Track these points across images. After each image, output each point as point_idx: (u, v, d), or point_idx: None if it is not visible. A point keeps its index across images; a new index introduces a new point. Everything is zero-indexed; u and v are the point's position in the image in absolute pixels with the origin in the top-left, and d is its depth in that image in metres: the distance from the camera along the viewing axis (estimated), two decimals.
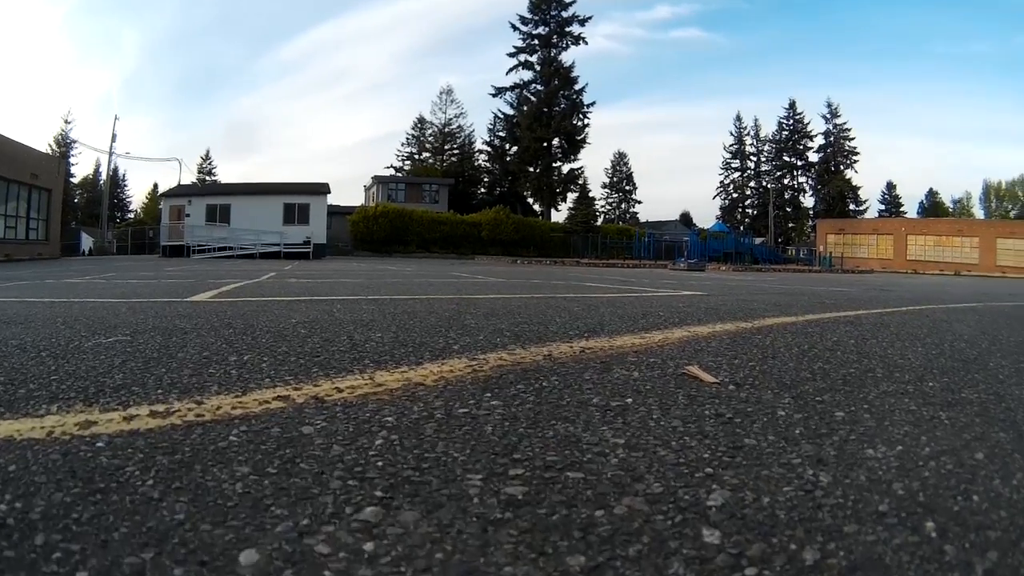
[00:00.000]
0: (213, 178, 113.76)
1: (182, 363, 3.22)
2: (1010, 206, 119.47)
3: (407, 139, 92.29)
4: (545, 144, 71.34)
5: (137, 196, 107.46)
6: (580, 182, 75.31)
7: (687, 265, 40.09)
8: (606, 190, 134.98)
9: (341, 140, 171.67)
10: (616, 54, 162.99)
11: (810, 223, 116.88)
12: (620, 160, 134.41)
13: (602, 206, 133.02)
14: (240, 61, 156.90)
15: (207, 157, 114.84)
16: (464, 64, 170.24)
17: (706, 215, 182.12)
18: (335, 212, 60.59)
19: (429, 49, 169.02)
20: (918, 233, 75.86)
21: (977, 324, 6.27)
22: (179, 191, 44.15)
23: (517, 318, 5.47)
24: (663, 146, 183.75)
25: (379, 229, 55.87)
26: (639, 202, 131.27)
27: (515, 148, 74.85)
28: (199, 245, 36.50)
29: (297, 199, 40.33)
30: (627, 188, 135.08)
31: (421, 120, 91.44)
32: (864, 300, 9.10)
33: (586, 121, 73.52)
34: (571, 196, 75.34)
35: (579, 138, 73.33)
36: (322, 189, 43.03)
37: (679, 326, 5.20)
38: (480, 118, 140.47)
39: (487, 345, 3.97)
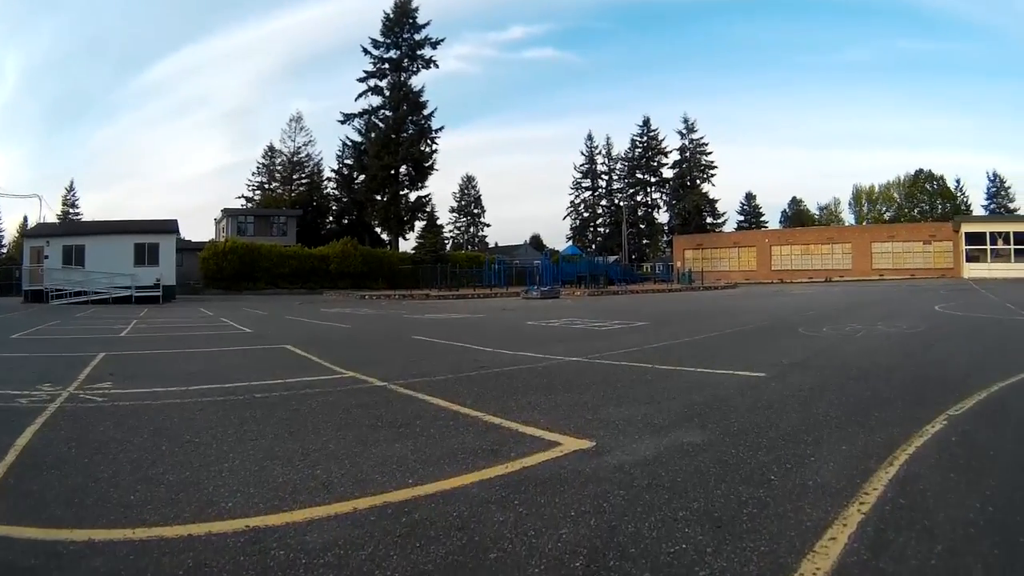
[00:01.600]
0: (76, 211, 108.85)
1: None
2: (884, 208, 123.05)
3: (258, 168, 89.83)
4: (393, 172, 70.82)
5: (10, 229, 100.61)
6: (428, 209, 75.07)
7: (540, 293, 39.13)
8: (455, 214, 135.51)
9: (198, 167, 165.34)
10: (468, 75, 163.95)
11: (665, 239, 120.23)
12: (468, 183, 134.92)
13: (451, 230, 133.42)
14: (102, 90, 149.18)
15: (71, 188, 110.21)
16: (318, 89, 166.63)
17: (557, 236, 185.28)
18: (186, 248, 58.57)
19: (284, 74, 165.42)
20: (783, 243, 76.60)
21: None
22: (39, 231, 42.03)
23: None
24: (514, 167, 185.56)
25: (229, 266, 54.28)
26: (488, 225, 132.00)
27: (363, 176, 74.21)
28: (57, 289, 35.29)
29: (147, 239, 38.94)
30: (475, 211, 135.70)
31: (271, 149, 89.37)
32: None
33: (434, 147, 73.41)
34: (420, 224, 74.70)
35: (427, 165, 73.16)
36: (170, 227, 41.69)
37: None
38: (331, 144, 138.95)
39: None
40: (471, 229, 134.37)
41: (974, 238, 53.85)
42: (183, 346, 11.19)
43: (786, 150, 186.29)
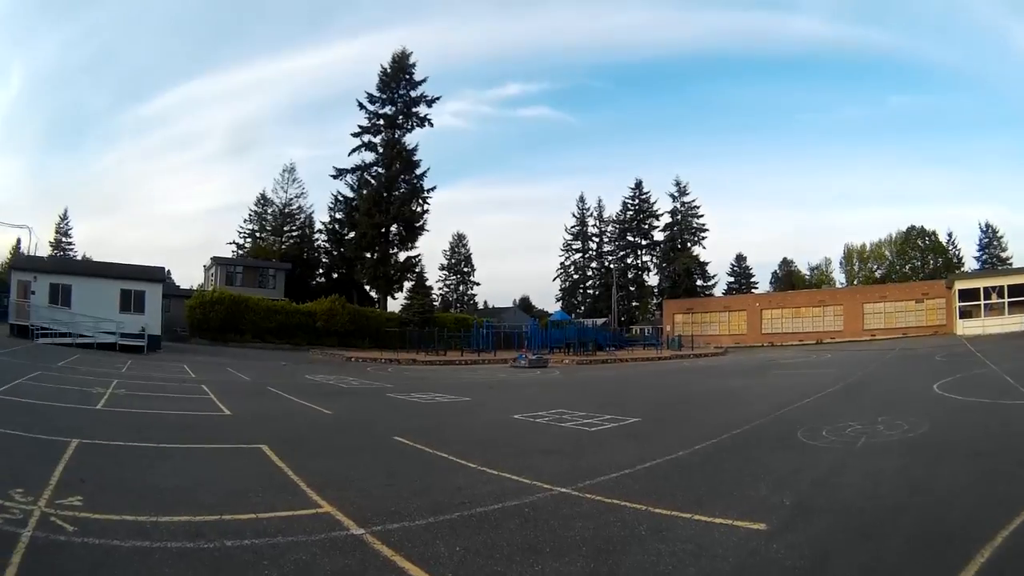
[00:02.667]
0: (69, 239, 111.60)
1: None
2: (875, 266, 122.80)
3: (250, 215, 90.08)
4: (383, 230, 70.99)
5: (3, 249, 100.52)
6: (417, 271, 74.94)
7: (528, 363, 39.23)
8: (444, 272, 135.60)
9: (190, 205, 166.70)
10: (462, 131, 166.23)
11: (655, 301, 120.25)
12: (459, 241, 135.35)
13: (440, 288, 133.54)
14: (100, 115, 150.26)
15: (64, 216, 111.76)
16: (314, 136, 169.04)
17: (546, 296, 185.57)
18: (174, 295, 60.36)
19: (283, 118, 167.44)
20: (774, 307, 76.61)
21: None
22: (27, 264, 41.64)
23: None
24: (504, 225, 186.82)
25: (215, 316, 55.08)
26: (477, 284, 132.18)
27: (353, 232, 74.10)
28: (43, 328, 34.93)
29: (133, 286, 38.89)
30: (466, 270, 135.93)
31: (263, 197, 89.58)
32: None
33: (426, 207, 73.99)
34: (409, 283, 74.53)
35: (418, 225, 73.49)
36: (157, 276, 41.60)
37: None
38: (324, 193, 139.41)
39: None
40: (460, 288, 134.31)
41: (967, 295, 54.15)
42: (158, 437, 10.69)
43: (776, 210, 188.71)
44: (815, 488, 7.60)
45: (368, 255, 71.20)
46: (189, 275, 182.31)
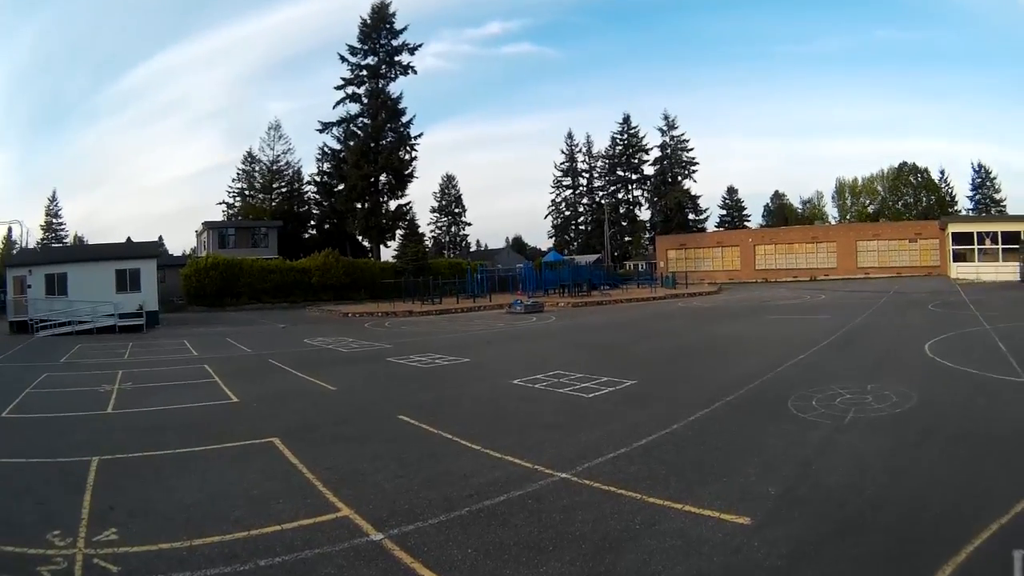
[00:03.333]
0: (60, 220, 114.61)
1: None
2: (868, 201, 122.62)
3: (238, 174, 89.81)
4: (372, 180, 70.89)
5: None
6: (409, 218, 74.99)
7: (523, 308, 39.83)
8: (435, 214, 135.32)
9: (179, 170, 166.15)
10: (446, 72, 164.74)
11: (647, 235, 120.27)
12: (449, 183, 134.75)
13: (432, 230, 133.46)
14: (80, 95, 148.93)
15: (53, 198, 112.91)
16: (298, 89, 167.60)
17: (539, 233, 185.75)
18: (168, 265, 60.89)
19: (263, 76, 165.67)
20: (767, 243, 76.56)
21: None
22: (20, 259, 41.86)
23: None
24: (494, 163, 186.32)
25: (211, 283, 55.85)
26: (469, 224, 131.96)
27: (343, 185, 74.01)
28: (42, 320, 35.24)
29: (128, 264, 38.99)
30: (457, 211, 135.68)
31: (251, 155, 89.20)
32: None
33: (414, 154, 73.70)
34: (401, 232, 74.64)
35: (407, 173, 73.30)
36: (151, 251, 41.77)
37: None
38: (311, 146, 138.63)
39: None
40: (452, 229, 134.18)
41: (961, 238, 54.46)
42: (172, 441, 10.89)
43: (767, 141, 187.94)
44: (800, 473, 8.04)
45: (359, 206, 71.10)
46: (183, 241, 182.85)
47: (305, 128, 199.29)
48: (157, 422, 12.65)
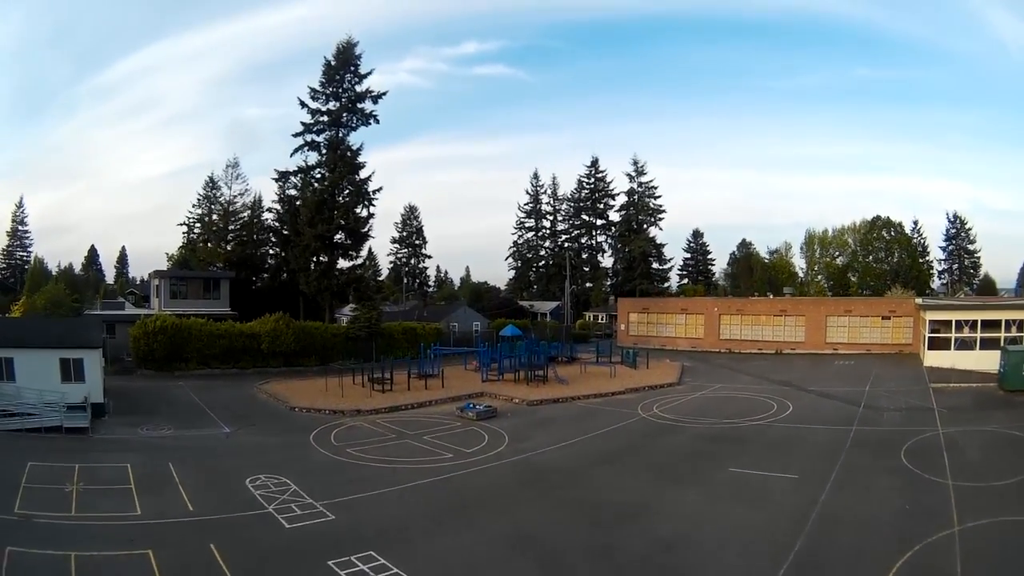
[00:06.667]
0: (25, 228, 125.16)
1: None
2: (837, 253, 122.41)
3: (198, 199, 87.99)
4: (327, 239, 68.77)
5: None
6: (363, 282, 72.86)
7: (476, 415, 38.99)
8: (396, 244, 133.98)
9: (150, 169, 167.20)
10: (418, 89, 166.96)
11: (608, 283, 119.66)
12: (411, 213, 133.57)
13: (391, 261, 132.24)
14: (55, 88, 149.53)
15: (20, 204, 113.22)
16: (269, 96, 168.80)
17: (498, 256, 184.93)
18: (120, 320, 61.73)
19: (236, 81, 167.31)
20: (733, 312, 75.14)
21: None
22: None
23: None
24: (459, 183, 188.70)
25: (160, 347, 54.55)
26: (429, 256, 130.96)
27: (298, 236, 71.69)
28: None
29: (72, 354, 37.51)
30: (417, 243, 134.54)
31: (212, 181, 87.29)
32: None
33: (371, 210, 71.56)
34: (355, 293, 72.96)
35: (363, 231, 71.52)
36: (94, 342, 39.80)
37: None
38: (277, 156, 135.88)
39: None
40: (412, 261, 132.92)
41: (938, 326, 53.07)
42: None
43: (737, 172, 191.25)
44: None
45: (313, 266, 68.81)
46: (148, 244, 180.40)
47: (273, 135, 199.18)
48: None
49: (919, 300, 63.12)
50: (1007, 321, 49.90)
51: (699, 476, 27.16)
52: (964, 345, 51.02)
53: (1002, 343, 47.19)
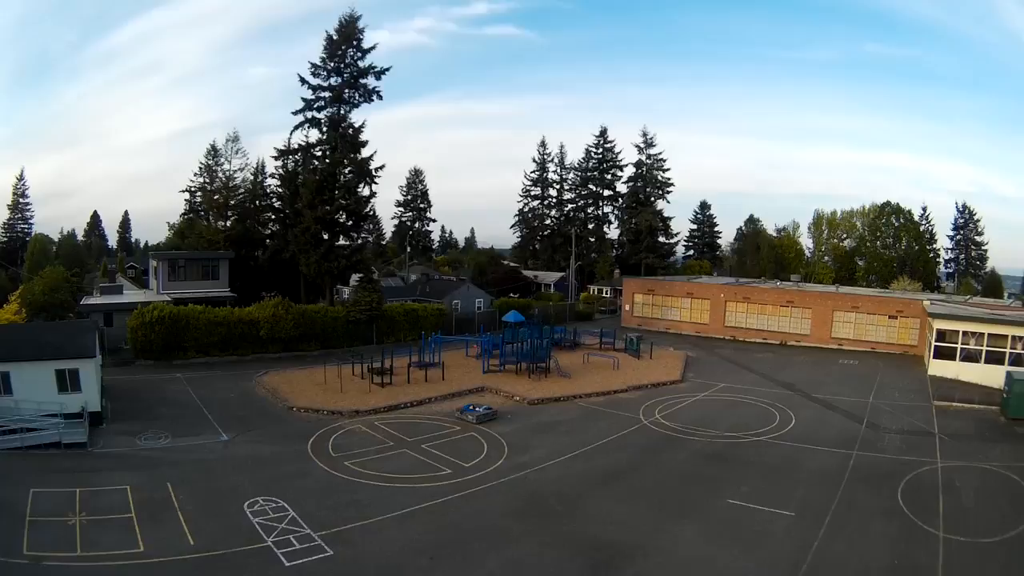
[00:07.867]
0: (26, 200, 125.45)
1: None
2: (845, 235, 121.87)
3: (200, 168, 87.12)
4: (328, 220, 67.83)
5: None
6: (364, 265, 71.75)
7: (475, 419, 38.89)
8: (400, 208, 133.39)
9: (154, 130, 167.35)
10: (426, 48, 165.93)
11: (614, 253, 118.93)
12: (416, 177, 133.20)
13: (396, 224, 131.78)
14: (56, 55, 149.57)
15: (21, 177, 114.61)
16: (278, 56, 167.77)
17: (503, 221, 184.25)
18: (118, 309, 60.10)
19: (240, 41, 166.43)
20: (739, 300, 74.44)
21: None
22: None
23: None
24: (465, 143, 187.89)
25: (157, 337, 54.02)
26: (433, 220, 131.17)
27: (299, 217, 70.63)
28: None
29: (67, 364, 37.04)
30: (422, 207, 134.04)
31: (214, 149, 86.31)
32: None
33: (373, 189, 70.34)
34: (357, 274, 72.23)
35: (365, 211, 70.52)
36: (88, 351, 39.22)
37: None
38: (281, 115, 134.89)
39: None
40: (416, 224, 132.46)
41: (944, 335, 52.28)
42: None
43: (744, 141, 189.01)
44: None
45: (312, 249, 67.86)
46: (151, 206, 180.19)
47: (279, 93, 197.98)
48: None
49: (927, 302, 61.93)
50: (1014, 337, 48.86)
51: (697, 508, 26.92)
52: (969, 357, 50.38)
53: (1006, 360, 47.46)
